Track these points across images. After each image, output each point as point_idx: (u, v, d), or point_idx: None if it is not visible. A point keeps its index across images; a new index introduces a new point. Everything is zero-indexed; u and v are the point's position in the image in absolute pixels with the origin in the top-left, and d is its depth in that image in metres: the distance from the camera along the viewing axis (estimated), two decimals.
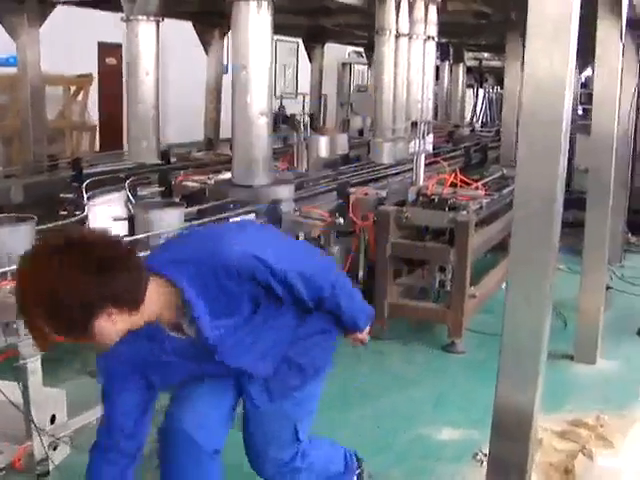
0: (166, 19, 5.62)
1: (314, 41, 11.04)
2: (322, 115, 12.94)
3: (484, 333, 5.14)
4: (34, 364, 2.87)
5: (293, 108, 13.59)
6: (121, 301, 1.89)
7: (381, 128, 6.08)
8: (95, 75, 12.23)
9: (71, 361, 4.45)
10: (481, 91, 15.25)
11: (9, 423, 3.07)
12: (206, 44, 9.06)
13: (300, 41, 11.99)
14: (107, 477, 2.34)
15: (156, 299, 2.02)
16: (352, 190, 5.35)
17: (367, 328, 2.66)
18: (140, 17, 5.34)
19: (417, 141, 5.50)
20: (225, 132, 9.80)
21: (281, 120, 19.91)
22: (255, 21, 4.18)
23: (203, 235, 2.35)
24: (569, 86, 2.46)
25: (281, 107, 20.39)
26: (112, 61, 12.94)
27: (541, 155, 2.52)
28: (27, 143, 6.74)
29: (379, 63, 6.05)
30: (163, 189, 5.53)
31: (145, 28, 5.37)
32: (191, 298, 2.06)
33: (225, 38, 9.28)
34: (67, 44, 10.72)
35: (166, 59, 13.63)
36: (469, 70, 13.29)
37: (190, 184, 5.44)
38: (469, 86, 14.83)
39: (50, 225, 3.82)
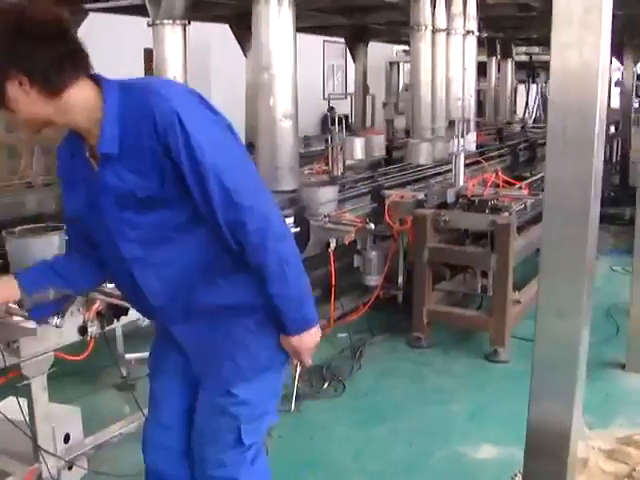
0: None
1: (357, 40, 10.83)
2: (370, 115, 12.72)
3: (530, 340, 4.82)
4: (39, 383, 2.76)
5: (344, 109, 13.35)
6: (35, 74, 1.83)
7: (419, 128, 5.84)
8: None
9: (88, 376, 4.36)
10: (533, 86, 14.80)
11: (19, 442, 2.96)
12: (244, 47, 8.96)
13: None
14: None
15: (82, 103, 1.90)
16: (388, 193, 5.14)
17: (307, 343, 2.09)
18: (166, 21, 5.23)
19: (456, 140, 5.26)
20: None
21: (329, 121, 19.86)
22: (276, 21, 4.01)
23: (153, 80, 2.17)
24: (602, 77, 2.22)
25: (329, 108, 20.33)
26: None
27: (571, 154, 2.27)
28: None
29: (415, 60, 5.82)
30: None
31: (171, 32, 5.25)
32: (109, 112, 1.89)
33: None
34: (114, 51, 10.78)
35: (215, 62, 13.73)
36: (520, 65, 12.90)
37: None
38: (521, 82, 14.43)
39: None
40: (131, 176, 1.89)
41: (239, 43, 9.05)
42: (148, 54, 13.02)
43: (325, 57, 19.19)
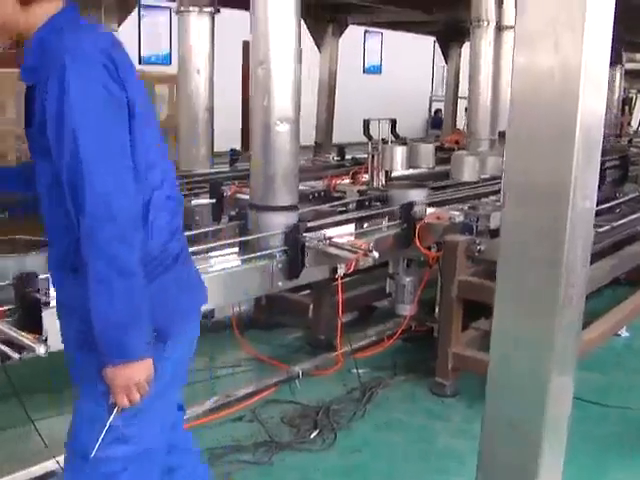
0: None
1: (449, 40, 10.10)
2: (466, 119, 11.93)
3: (581, 399, 4.00)
4: None
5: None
6: None
7: (475, 138, 5.08)
8: (239, 74, 12.41)
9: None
10: None
11: None
12: (318, 41, 8.43)
13: None
14: None
15: (42, 21, 1.86)
16: (422, 213, 4.46)
17: (123, 378, 1.79)
18: (191, 9, 4.76)
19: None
20: (338, 136, 9.19)
21: (430, 124, 19.09)
22: (275, 8, 3.41)
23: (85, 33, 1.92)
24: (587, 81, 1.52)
25: (431, 111, 19.50)
26: None
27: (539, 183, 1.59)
28: None
29: (475, 60, 5.07)
30: (214, 201, 4.91)
31: (196, 21, 4.77)
32: (34, 42, 1.87)
33: (340, 35, 8.62)
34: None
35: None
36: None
37: (244, 197, 4.77)
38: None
39: None
40: (40, 110, 1.79)
41: (313, 38, 8.52)
42: (246, 46, 12.93)
43: (435, 58, 18.44)
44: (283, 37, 3.48)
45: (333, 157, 7.55)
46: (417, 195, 4.61)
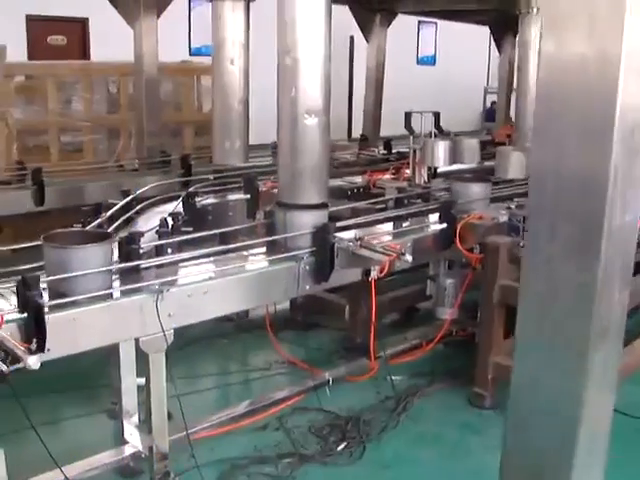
0: None
1: (503, 29, 9.70)
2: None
3: (629, 415, 3.72)
4: None
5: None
6: None
7: (523, 133, 4.78)
8: None
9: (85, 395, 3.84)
10: None
11: None
12: (366, 31, 8.17)
13: None
14: None
15: None
16: (463, 212, 4.20)
17: None
18: None
19: None
20: (389, 129, 8.94)
21: (484, 117, 18.59)
22: None
23: None
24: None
25: (486, 103, 18.97)
26: None
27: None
28: (140, 138, 6.32)
29: (522, 50, 4.76)
30: (249, 197, 4.72)
31: (230, 9, 4.59)
32: None
33: (388, 25, 8.34)
34: None
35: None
36: None
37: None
38: None
39: None
40: None
41: (361, 28, 8.27)
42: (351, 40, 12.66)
43: (491, 49, 17.92)
44: (312, 23, 3.26)
45: (379, 151, 7.31)
46: (480, 190, 4.41)
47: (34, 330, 2.42)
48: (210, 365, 4.57)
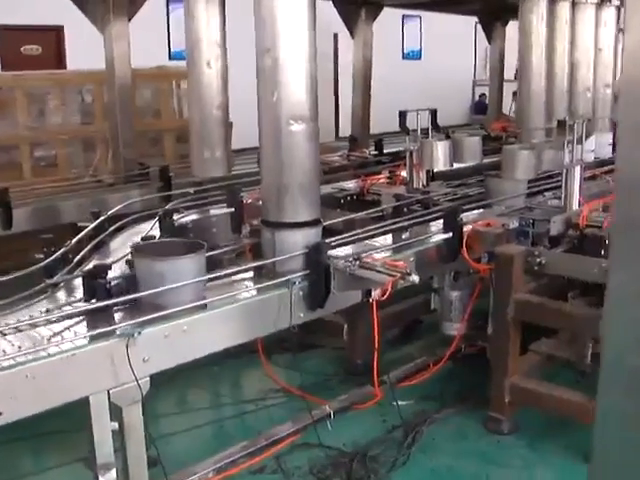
0: None
1: (492, 19, 9.37)
2: (514, 105, 11.15)
3: None
4: None
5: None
6: None
7: (527, 128, 4.41)
8: None
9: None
10: None
11: None
12: (351, 26, 7.78)
13: None
14: None
15: None
16: (469, 219, 3.83)
17: None
18: None
19: (569, 148, 3.83)
20: (378, 127, 8.58)
21: (473, 110, 18.24)
22: None
23: None
24: None
25: (474, 96, 18.63)
26: None
27: None
28: (117, 149, 5.94)
29: (524, 38, 4.39)
30: (233, 210, 4.34)
31: (204, 8, 4.19)
32: None
33: (373, 19, 7.95)
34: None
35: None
36: None
37: None
38: None
39: None
40: None
41: (345, 24, 7.87)
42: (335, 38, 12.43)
43: (477, 40, 17.55)
44: (294, 16, 2.88)
45: (370, 152, 6.94)
46: (515, 187, 4.18)
47: None
48: (200, 398, 4.19)
